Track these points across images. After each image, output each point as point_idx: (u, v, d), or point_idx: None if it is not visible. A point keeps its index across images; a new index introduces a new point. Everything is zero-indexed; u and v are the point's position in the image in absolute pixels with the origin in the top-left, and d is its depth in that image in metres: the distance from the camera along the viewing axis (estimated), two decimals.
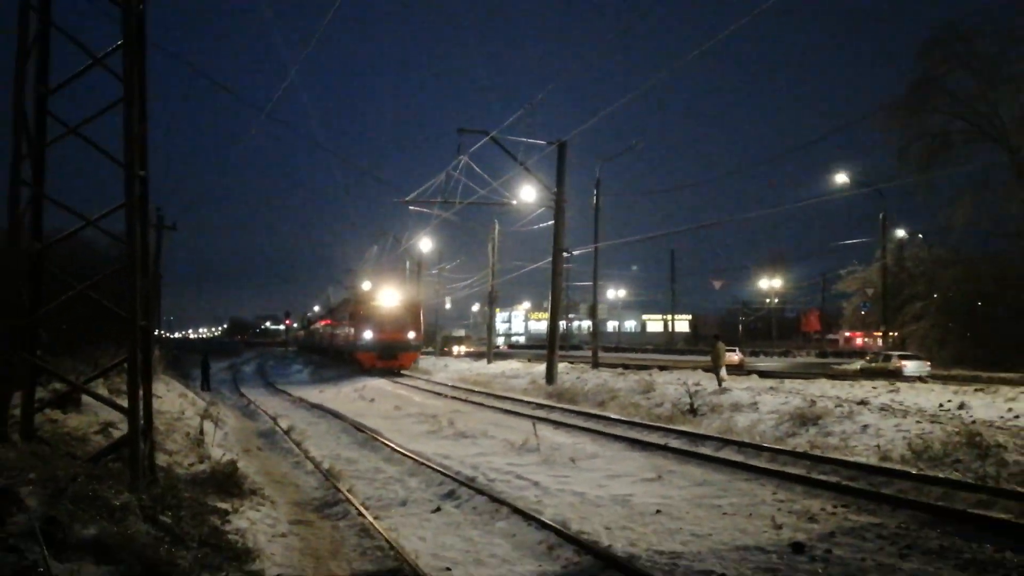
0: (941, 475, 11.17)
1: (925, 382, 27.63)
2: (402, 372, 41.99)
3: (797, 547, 7.95)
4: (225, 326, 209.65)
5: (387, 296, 44.46)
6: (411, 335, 43.83)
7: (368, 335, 42.40)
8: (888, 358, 35.99)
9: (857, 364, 39.55)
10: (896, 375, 31.85)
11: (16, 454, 7.29)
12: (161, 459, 10.21)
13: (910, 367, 34.08)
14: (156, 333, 39.61)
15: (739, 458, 13.52)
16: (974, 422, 14.80)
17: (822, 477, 11.57)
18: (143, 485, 7.73)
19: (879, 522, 9.05)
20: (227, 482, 10.05)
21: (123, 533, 5.89)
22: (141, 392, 8.45)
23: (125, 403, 8.51)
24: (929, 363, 36.07)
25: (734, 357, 45.37)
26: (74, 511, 5.84)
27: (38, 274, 8.77)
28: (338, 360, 50.73)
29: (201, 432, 14.61)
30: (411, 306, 44.98)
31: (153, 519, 6.73)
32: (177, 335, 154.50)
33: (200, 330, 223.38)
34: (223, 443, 14.96)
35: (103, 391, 12.74)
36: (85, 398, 11.16)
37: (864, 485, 10.94)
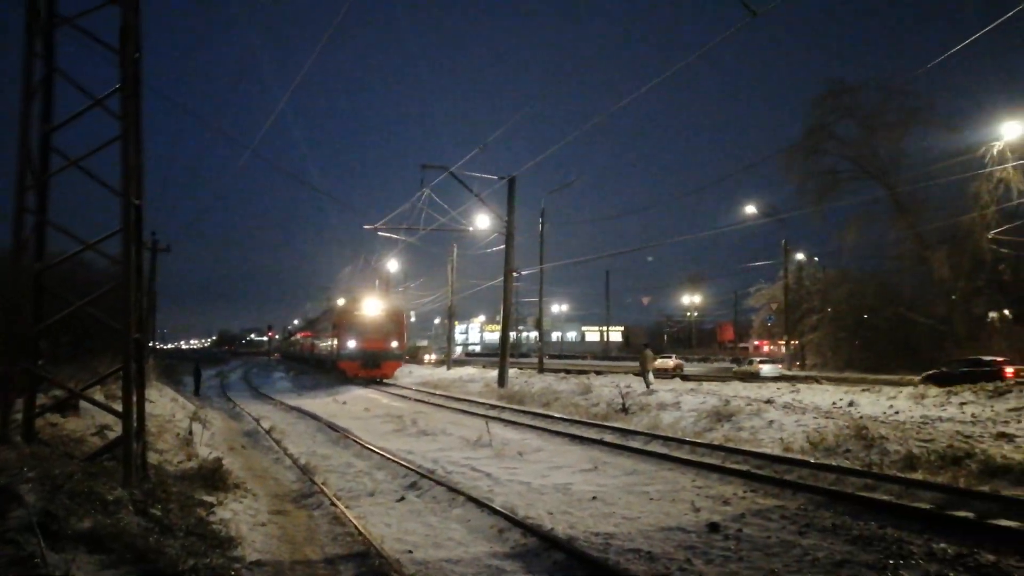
0: (834, 463, 11.37)
1: (820, 383, 28.16)
2: (384, 381, 38.18)
3: (713, 527, 8.00)
4: (214, 338, 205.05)
5: (370, 305, 39.74)
6: (394, 344, 39.39)
7: (352, 344, 38.14)
8: (751, 362, 42.92)
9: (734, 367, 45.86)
10: (756, 376, 37.09)
11: (16, 455, 7.01)
12: (153, 458, 9.89)
13: (766, 369, 39.65)
14: (150, 345, 38.56)
15: (664, 450, 13.60)
16: (861, 417, 15.14)
17: (734, 466, 11.68)
18: (135, 481, 7.49)
19: (782, 504, 9.16)
20: (213, 477, 9.77)
21: (115, 525, 5.68)
22: (135, 397, 8.20)
23: (120, 408, 8.25)
24: (781, 365, 42.56)
25: (669, 362, 46.63)
26: (70, 506, 5.63)
27: (39, 291, 8.48)
28: (320, 369, 46.86)
29: (190, 433, 14.22)
30: (394, 315, 40.40)
31: (144, 512, 6.51)
32: (170, 346, 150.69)
33: (191, 341, 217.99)
34: (210, 442, 14.57)
35: (100, 397, 12.31)
36: (83, 403, 10.77)
37: (770, 473, 11.08)
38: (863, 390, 21.69)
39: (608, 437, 15.57)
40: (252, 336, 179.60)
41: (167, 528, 6.31)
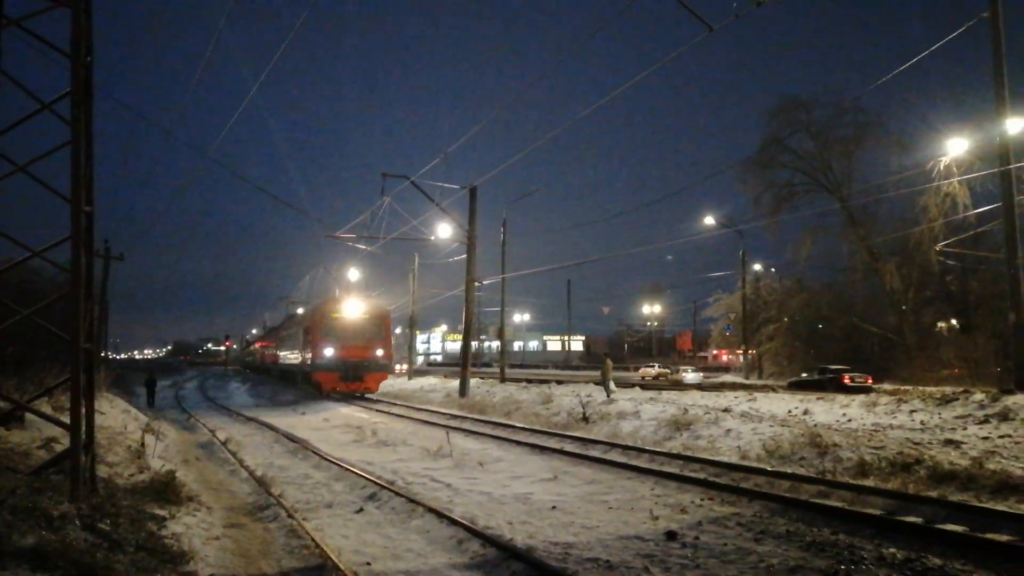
0: (789, 470, 11.56)
1: (776, 391, 28.67)
2: (366, 396, 33.35)
3: (671, 535, 8.07)
4: (169, 347, 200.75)
5: (351, 307, 34.20)
6: (379, 352, 33.78)
7: (329, 352, 32.72)
8: (676, 371, 50.65)
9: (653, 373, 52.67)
10: (681, 383, 42.49)
11: None
12: (102, 471, 9.63)
13: (689, 376, 45.26)
14: (102, 355, 37.52)
15: (623, 459, 13.68)
16: (816, 425, 15.44)
17: (692, 474, 11.79)
18: (83, 495, 7.27)
19: (738, 512, 9.28)
20: (165, 490, 9.53)
21: (61, 541, 5.51)
22: (84, 409, 7.97)
23: (68, 420, 8.01)
24: (701, 373, 48.19)
25: (651, 371, 48.42)
26: (12, 521, 5.44)
27: None
28: (286, 381, 41.43)
29: (142, 445, 13.87)
30: (379, 318, 34.93)
31: (92, 527, 6.32)
32: (123, 356, 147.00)
33: (146, 351, 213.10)
34: (163, 455, 14.24)
35: (47, 409, 11.95)
36: (29, 416, 10.46)
37: (727, 480, 11.22)
38: (818, 398, 22.17)
39: (568, 446, 15.61)
40: (209, 346, 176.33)
41: (116, 543, 6.14)
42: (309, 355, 34.77)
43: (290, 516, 9.25)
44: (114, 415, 18.27)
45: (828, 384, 32.75)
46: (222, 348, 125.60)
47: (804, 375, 36.13)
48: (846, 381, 34.37)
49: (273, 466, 13.77)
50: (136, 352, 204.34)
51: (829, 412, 18.37)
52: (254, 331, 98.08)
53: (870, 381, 38.75)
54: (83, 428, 7.91)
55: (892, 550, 7.25)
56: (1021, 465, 11.26)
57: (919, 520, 8.28)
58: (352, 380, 32.73)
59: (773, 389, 31.19)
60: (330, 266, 50.19)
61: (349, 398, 32.86)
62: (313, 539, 8.03)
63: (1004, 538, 7.45)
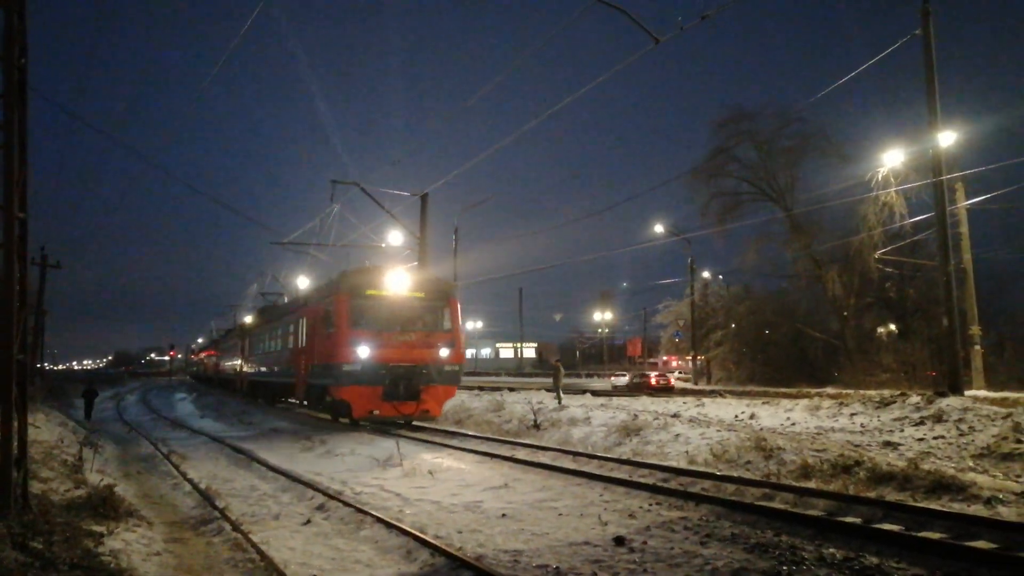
0: (735, 474, 11.78)
1: (724, 396, 29.20)
2: (415, 423, 21.82)
3: (619, 540, 8.14)
4: (110, 358, 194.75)
5: (399, 280, 21.09)
6: (443, 352, 20.88)
7: (363, 352, 19.77)
8: (612, 375, 54.21)
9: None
10: (613, 387, 45.79)
11: None
12: (35, 487, 9.28)
13: (619, 381, 47.34)
14: (38, 366, 36.21)
15: (574, 466, 13.76)
16: (761, 429, 15.77)
17: (641, 480, 11.93)
18: (14, 513, 7.01)
19: (685, 516, 9.42)
20: (103, 505, 9.23)
21: None
22: (15, 422, 7.69)
23: None
24: (628, 375, 49.41)
25: (622, 380, 50.04)
26: None
27: None
28: (269, 396, 31.52)
29: (80, 459, 13.42)
30: (442, 298, 21.70)
31: (23, 546, 6.10)
32: (61, 367, 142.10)
33: (85, 362, 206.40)
34: (102, 469, 13.77)
35: None
36: None
37: (675, 485, 11.37)
38: (763, 403, 22.63)
39: (520, 454, 15.63)
40: (152, 356, 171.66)
41: (49, 562, 5.93)
42: (314, 359, 22.23)
43: (235, 529, 9.05)
44: (50, 428, 17.66)
45: (638, 387, 41.55)
46: (166, 358, 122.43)
47: (631, 380, 45.25)
48: (652, 383, 41.87)
49: (218, 478, 13.45)
50: (75, 363, 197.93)
51: (774, 416, 18.78)
52: (200, 340, 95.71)
53: (672, 383, 44.84)
54: (15, 442, 7.63)
55: (832, 550, 7.46)
56: (953, 465, 11.71)
57: (858, 520, 8.53)
58: (403, 397, 20.05)
59: (721, 394, 31.75)
60: (278, 274, 49.22)
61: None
62: (259, 552, 7.88)
63: (936, 536, 7.74)
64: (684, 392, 36.48)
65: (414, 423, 22.02)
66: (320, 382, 21.82)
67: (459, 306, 21.93)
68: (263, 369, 32.14)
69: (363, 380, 19.75)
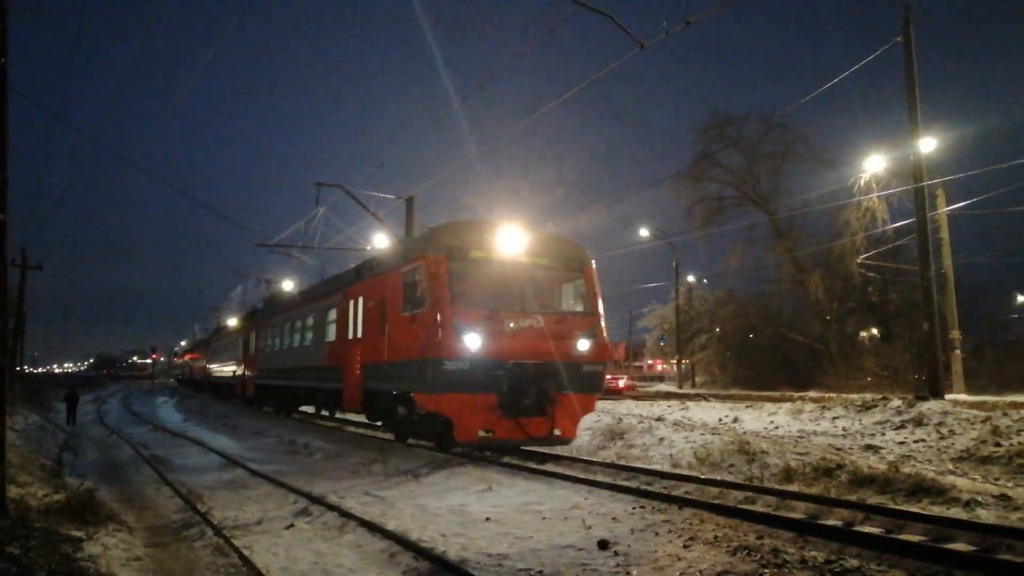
0: (719, 477, 11.84)
1: (708, 400, 29.35)
2: (535, 449, 15.15)
3: (603, 544, 8.14)
4: (91, 361, 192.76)
5: (516, 239, 14.46)
6: (583, 346, 14.36)
7: (472, 343, 13.25)
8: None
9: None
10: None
11: None
12: (13, 491, 9.17)
13: None
14: (17, 369, 35.78)
15: (559, 469, 13.73)
16: (745, 433, 15.87)
17: (625, 483, 11.93)
18: None
19: (669, 519, 9.44)
20: (83, 510, 9.14)
21: None
22: None
23: None
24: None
25: (620, 383, 49.54)
26: None
27: None
28: (285, 404, 26.91)
29: (59, 463, 13.28)
30: (574, 264, 15.28)
31: (0, 551, 6.02)
32: (41, 371, 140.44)
33: (66, 365, 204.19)
34: (83, 473, 13.65)
35: None
36: None
37: (658, 488, 11.40)
38: (747, 407, 22.79)
39: (504, 457, 15.59)
40: (134, 359, 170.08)
41: (26, 568, 5.86)
42: (382, 353, 15.55)
43: (216, 533, 8.99)
44: (29, 432, 17.44)
45: None
46: (148, 361, 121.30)
47: None
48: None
49: (200, 482, 13.34)
50: (55, 366, 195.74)
51: (758, 420, 18.90)
52: (183, 343, 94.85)
53: (620, 386, 44.62)
54: None
55: (814, 552, 7.50)
56: (933, 468, 11.83)
57: (839, 523, 8.60)
58: (532, 412, 13.94)
59: (705, 398, 31.91)
60: (262, 276, 48.81)
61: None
62: (240, 557, 7.82)
63: (916, 538, 7.81)
64: (668, 396, 36.58)
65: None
66: (391, 387, 15.40)
67: (595, 279, 15.40)
68: (282, 370, 25.89)
69: (473, 384, 13.35)
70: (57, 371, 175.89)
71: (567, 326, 14.38)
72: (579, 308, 15.15)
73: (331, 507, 10.28)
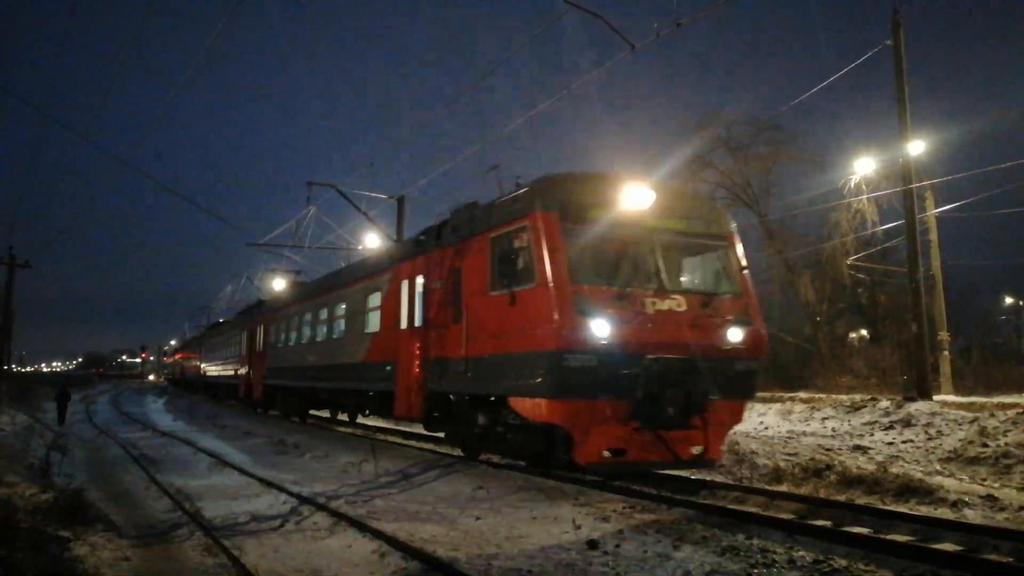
0: (708, 478, 11.87)
1: None
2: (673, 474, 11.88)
3: (592, 544, 8.16)
4: (80, 360, 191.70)
5: (644, 196, 10.92)
6: (735, 336, 10.84)
7: (599, 330, 9.83)
8: None
9: None
10: None
11: None
12: (0, 491, 9.11)
13: None
14: (5, 368, 35.55)
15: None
16: (734, 433, 15.87)
17: (615, 482, 11.95)
18: None
19: (658, 519, 9.45)
20: (71, 510, 9.09)
21: None
22: None
23: None
24: None
25: None
26: None
27: None
28: (302, 406, 24.04)
29: (47, 463, 13.20)
30: (717, 231, 12.09)
31: None
32: (29, 369, 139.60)
33: (54, 364, 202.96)
34: (71, 472, 13.58)
35: None
36: None
37: (648, 488, 11.42)
38: None
39: (495, 457, 15.59)
40: (124, 358, 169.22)
41: (12, 568, 5.82)
42: (462, 346, 12.13)
43: (206, 534, 8.95)
44: (16, 431, 17.32)
45: None
46: (138, 360, 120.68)
47: None
48: None
49: (190, 482, 13.29)
50: (44, 365, 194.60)
51: (747, 420, 18.94)
52: (173, 342, 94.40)
53: None
54: None
55: (802, 552, 7.54)
56: (921, 469, 11.91)
57: (828, 523, 8.65)
58: (678, 424, 10.50)
59: None
60: (253, 275, 48.46)
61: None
62: (229, 557, 7.80)
63: (903, 538, 7.86)
64: None
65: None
66: (472, 390, 12.42)
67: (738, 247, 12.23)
68: (300, 368, 22.25)
69: (599, 386, 10.20)
70: (45, 370, 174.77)
71: (715, 310, 11.04)
72: (725, 286, 11.68)
73: (321, 507, 10.26)
